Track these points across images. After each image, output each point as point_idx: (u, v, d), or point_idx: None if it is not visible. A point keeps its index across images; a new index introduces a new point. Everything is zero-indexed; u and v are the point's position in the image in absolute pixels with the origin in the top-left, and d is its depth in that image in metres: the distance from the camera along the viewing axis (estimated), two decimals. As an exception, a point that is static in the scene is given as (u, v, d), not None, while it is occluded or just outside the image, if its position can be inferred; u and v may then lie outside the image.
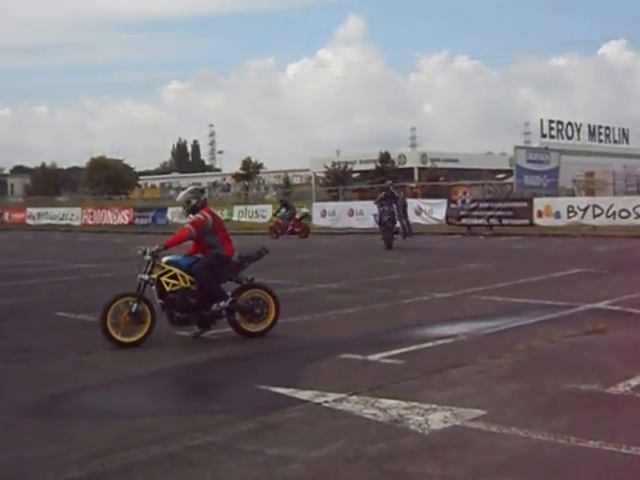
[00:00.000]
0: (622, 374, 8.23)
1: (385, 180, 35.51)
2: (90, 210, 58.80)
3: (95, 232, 48.93)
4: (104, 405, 8.12)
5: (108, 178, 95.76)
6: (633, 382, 7.93)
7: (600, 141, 66.35)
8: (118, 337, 10.57)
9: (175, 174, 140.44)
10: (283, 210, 38.09)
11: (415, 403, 7.38)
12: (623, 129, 69.77)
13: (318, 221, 44.00)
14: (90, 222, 56.50)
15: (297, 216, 37.54)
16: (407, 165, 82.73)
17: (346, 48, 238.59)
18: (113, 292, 11.22)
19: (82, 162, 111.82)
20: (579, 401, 7.43)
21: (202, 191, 12.10)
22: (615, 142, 68.04)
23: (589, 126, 65.83)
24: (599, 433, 6.32)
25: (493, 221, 36.72)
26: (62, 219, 58.62)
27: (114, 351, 10.42)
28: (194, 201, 11.51)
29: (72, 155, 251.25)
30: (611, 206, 33.87)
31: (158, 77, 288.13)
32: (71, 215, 58.94)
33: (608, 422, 6.78)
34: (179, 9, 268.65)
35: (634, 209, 33.02)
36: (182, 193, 12.02)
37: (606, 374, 8.32)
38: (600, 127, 67.49)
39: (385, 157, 78.57)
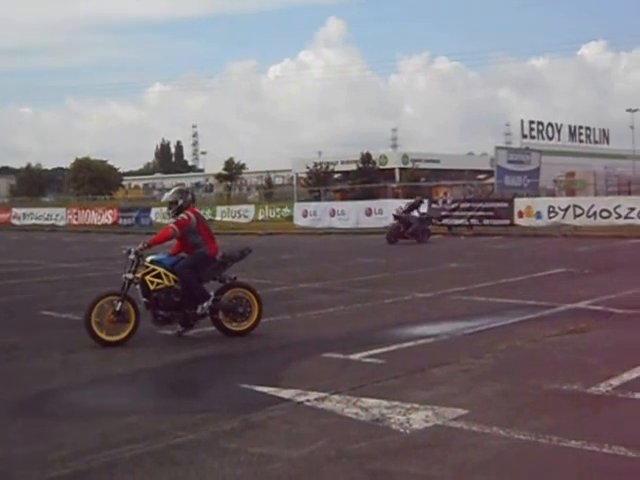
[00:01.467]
0: (603, 374, 8.24)
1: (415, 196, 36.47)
2: (75, 210, 58.59)
3: (79, 232, 48.79)
4: (88, 404, 8.07)
5: (92, 179, 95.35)
6: (614, 382, 7.93)
7: (581, 141, 66.64)
8: (102, 336, 10.53)
9: (158, 175, 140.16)
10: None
11: (397, 402, 7.37)
12: (604, 130, 70.11)
13: (299, 221, 44.00)
14: (75, 222, 56.29)
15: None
16: (388, 166, 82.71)
17: (327, 50, 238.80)
18: (98, 291, 11.20)
19: (67, 163, 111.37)
20: (561, 401, 7.43)
21: (187, 191, 12.05)
22: (596, 142, 68.36)
23: (569, 127, 66.11)
24: (581, 433, 6.31)
25: (474, 221, 36.79)
26: (47, 219, 58.41)
27: (98, 350, 10.37)
28: (181, 201, 11.48)
29: (57, 156, 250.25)
30: (592, 206, 33.98)
31: (142, 79, 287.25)
32: (56, 215, 58.71)
33: (590, 422, 6.79)
34: (162, 11, 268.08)
35: (615, 209, 33.15)
36: (168, 193, 11.97)
37: (588, 374, 8.32)
38: (581, 128, 67.78)
39: (366, 158, 78.53)
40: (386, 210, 40.62)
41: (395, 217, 31.97)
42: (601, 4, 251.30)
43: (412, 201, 32.86)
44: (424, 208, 33.20)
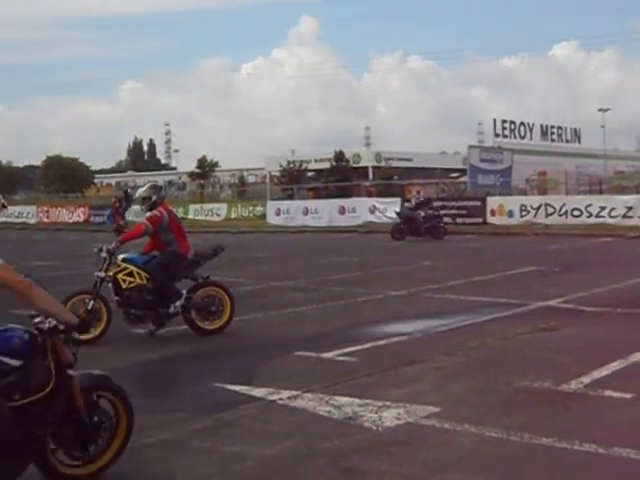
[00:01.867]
0: (574, 371, 8.30)
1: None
2: (46, 208, 58.27)
3: (50, 230, 48.45)
4: (57, 403, 8.00)
5: (64, 176, 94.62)
6: (585, 379, 8.00)
7: (552, 141, 67.15)
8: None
9: (131, 173, 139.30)
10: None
11: (369, 400, 7.39)
12: (575, 129, 70.69)
13: (272, 219, 43.96)
14: (46, 220, 55.97)
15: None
16: (361, 164, 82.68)
17: (300, 48, 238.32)
18: (69, 290, 11.14)
19: (38, 160, 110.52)
20: (532, 398, 7.48)
21: (162, 187, 12.07)
22: (567, 142, 68.91)
23: (542, 126, 66.62)
24: (552, 430, 6.36)
25: (447, 220, 36.88)
26: (18, 217, 57.80)
27: (68, 349, 10.30)
28: (154, 197, 11.47)
29: (28, 153, 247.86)
30: (563, 205, 34.24)
31: (113, 76, 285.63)
32: (27, 213, 58.28)
33: (561, 419, 6.84)
34: (134, 7, 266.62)
35: (586, 208, 33.41)
36: (142, 189, 11.96)
37: (558, 371, 8.38)
38: (552, 127, 68.33)
39: (340, 156, 78.48)
40: (359, 208, 40.75)
41: (397, 214, 32.69)
42: (572, 4, 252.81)
43: (421, 199, 33.24)
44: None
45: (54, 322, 5.14)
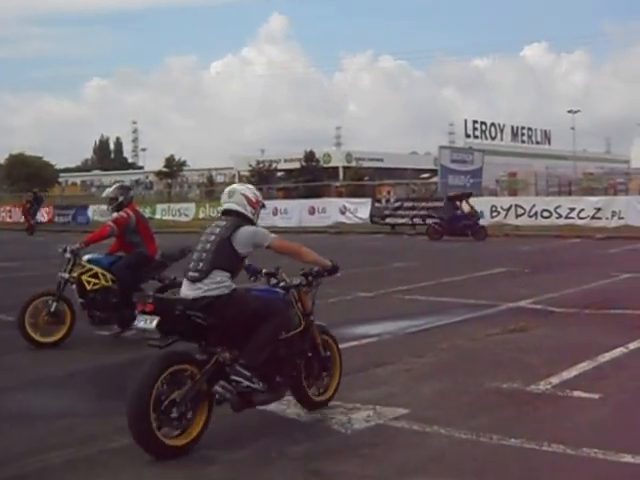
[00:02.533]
0: (543, 372, 8.37)
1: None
2: (8, 208, 57.65)
3: (14, 230, 47.96)
4: (21, 407, 7.93)
5: (27, 175, 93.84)
6: (554, 380, 8.07)
7: (523, 142, 67.74)
8: (36, 337, 10.39)
9: (97, 172, 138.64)
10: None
11: (338, 402, 7.40)
12: (545, 130, 71.36)
13: (242, 220, 43.82)
14: (8, 220, 55.38)
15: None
16: (332, 164, 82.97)
17: (270, 46, 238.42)
18: (32, 291, 11.03)
19: (0, 159, 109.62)
20: (501, 399, 7.53)
21: (130, 188, 11.98)
22: (537, 143, 69.54)
23: (512, 127, 67.17)
24: (521, 431, 6.40)
25: (417, 220, 37.02)
26: (-21, 217, 57.40)
27: (32, 352, 10.25)
28: (121, 198, 11.41)
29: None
30: (533, 206, 34.49)
31: (79, 73, 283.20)
32: (-12, 213, 57.74)
33: (529, 420, 6.88)
34: (101, 3, 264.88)
35: (555, 209, 33.67)
36: (109, 189, 11.88)
37: (528, 372, 8.44)
38: (523, 128, 68.95)
39: (310, 156, 78.68)
40: (329, 209, 40.78)
41: (432, 211, 33.64)
42: (543, 6, 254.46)
43: (458, 193, 33.64)
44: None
45: (298, 280, 7.59)
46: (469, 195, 32.95)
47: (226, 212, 7.18)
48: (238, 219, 6.96)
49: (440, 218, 32.36)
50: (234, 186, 7.44)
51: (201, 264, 6.67)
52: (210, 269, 6.62)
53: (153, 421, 5.94)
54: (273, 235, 7.22)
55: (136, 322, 6.62)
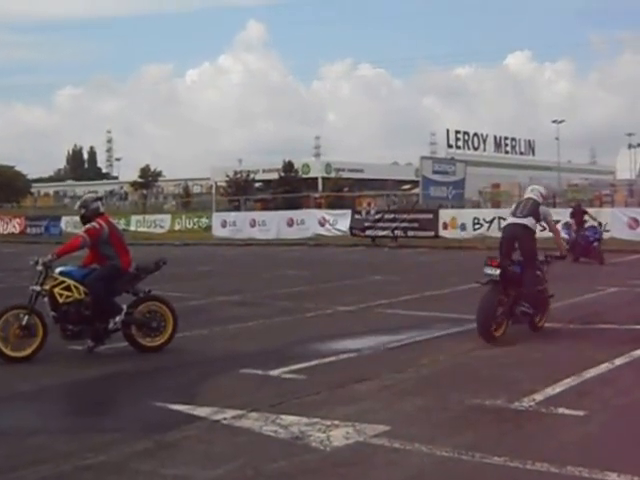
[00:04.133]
0: (527, 389, 8.38)
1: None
2: (-21, 219, 57.40)
3: (-17, 242, 47.78)
4: (-10, 424, 7.89)
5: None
6: (538, 397, 8.08)
7: (506, 152, 68.08)
8: (7, 351, 10.32)
9: (70, 182, 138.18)
10: None
11: (317, 419, 7.38)
12: (529, 141, 71.76)
13: (218, 232, 43.89)
14: (-22, 231, 55.13)
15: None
16: (311, 175, 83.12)
17: (247, 54, 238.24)
18: (2, 304, 10.95)
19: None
20: (484, 416, 7.54)
21: (98, 199, 11.86)
22: (521, 154, 69.91)
23: (495, 137, 67.49)
24: (504, 449, 6.40)
25: (398, 233, 37.13)
26: (-52, 228, 57.04)
27: (2, 366, 10.17)
28: (83, 210, 11.36)
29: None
30: (517, 218, 34.53)
31: (51, 80, 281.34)
32: (-42, 224, 57.39)
33: (513, 438, 6.89)
34: (73, 10, 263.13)
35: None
36: (77, 203, 11.85)
37: (511, 389, 8.45)
38: (506, 138, 69.30)
39: (289, 166, 78.80)
40: (308, 220, 40.83)
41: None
42: (526, 14, 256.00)
43: (573, 205, 29.46)
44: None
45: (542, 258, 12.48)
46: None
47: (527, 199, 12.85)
48: (536, 202, 12.69)
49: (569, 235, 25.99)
50: (534, 185, 13.76)
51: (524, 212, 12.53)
52: (527, 214, 12.50)
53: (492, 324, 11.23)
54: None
55: (485, 270, 11.84)
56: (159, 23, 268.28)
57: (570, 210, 28.14)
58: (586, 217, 26.87)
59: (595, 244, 25.22)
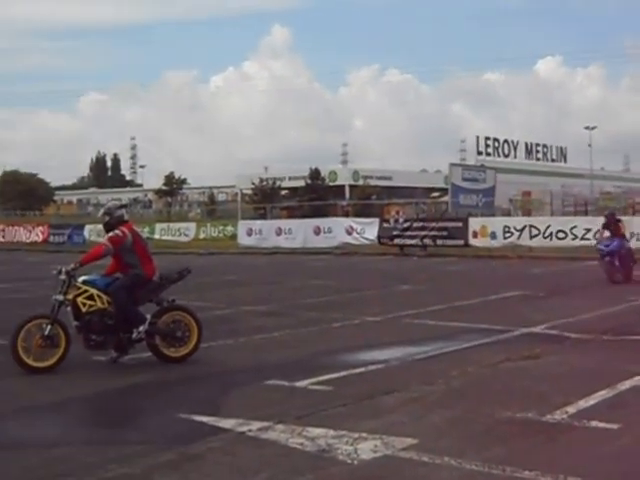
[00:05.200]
0: (559, 401, 8.32)
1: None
2: (1, 227, 57.81)
3: (6, 250, 48.11)
4: (13, 435, 7.92)
5: (21, 193, 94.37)
6: (570, 409, 8.02)
7: (537, 159, 67.63)
8: (30, 362, 10.36)
9: (93, 189, 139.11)
10: None
11: (344, 432, 7.36)
12: (561, 147, 71.25)
13: (244, 240, 43.88)
14: (1, 240, 55.52)
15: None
16: (338, 182, 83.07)
17: (272, 60, 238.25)
18: (25, 314, 11.01)
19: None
20: (514, 429, 7.49)
21: (122, 207, 11.92)
22: (553, 161, 69.43)
23: (526, 144, 67.06)
24: (535, 463, 6.36)
25: (427, 241, 36.99)
26: (-29, 236, 57.48)
27: (25, 377, 10.22)
28: (107, 218, 11.40)
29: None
30: (548, 227, 34.39)
31: (75, 87, 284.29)
32: (-20, 232, 57.83)
33: (545, 451, 6.84)
34: (99, 17, 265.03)
35: (571, 230, 33.57)
36: (101, 210, 11.92)
37: (542, 401, 8.40)
38: (537, 145, 68.83)
39: (315, 174, 78.81)
40: (335, 229, 40.76)
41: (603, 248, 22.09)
42: (557, 19, 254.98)
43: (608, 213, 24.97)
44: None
45: None
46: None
47: None
48: None
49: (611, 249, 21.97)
50: None
51: None
52: None
53: None
54: None
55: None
56: (183, 29, 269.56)
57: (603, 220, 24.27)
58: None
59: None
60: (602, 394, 8.64)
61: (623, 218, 25.80)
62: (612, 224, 23.01)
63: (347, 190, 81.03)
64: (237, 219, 50.67)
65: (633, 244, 27.24)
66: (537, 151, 68.46)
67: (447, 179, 51.73)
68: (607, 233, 22.78)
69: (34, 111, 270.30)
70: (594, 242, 25.11)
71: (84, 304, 10.79)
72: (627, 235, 25.12)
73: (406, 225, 38.43)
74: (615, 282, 21.05)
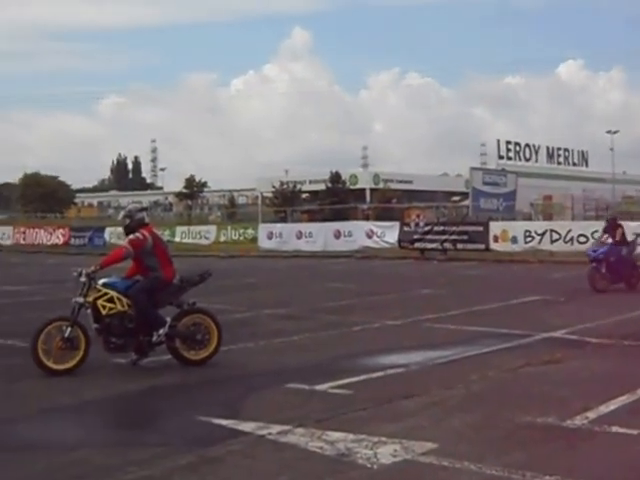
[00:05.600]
0: (579, 406, 8.29)
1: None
2: (22, 229, 58.06)
3: (27, 252, 48.36)
4: (33, 437, 7.94)
5: (42, 195, 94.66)
6: (591, 415, 7.99)
7: (559, 163, 67.32)
8: (50, 364, 10.40)
9: (114, 192, 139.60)
10: None
11: (364, 436, 7.36)
12: (582, 151, 70.91)
13: (264, 243, 43.93)
14: (22, 242, 55.77)
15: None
16: (359, 186, 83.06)
17: (292, 63, 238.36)
18: (45, 316, 11.08)
19: (14, 178, 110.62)
20: (534, 434, 7.46)
21: (143, 209, 11.98)
22: (574, 165, 69.11)
23: (547, 148, 66.77)
24: (555, 468, 6.34)
25: (447, 245, 36.95)
26: (-8, 238, 57.78)
27: (45, 379, 10.26)
28: (127, 220, 11.45)
29: (4, 170, 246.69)
30: (569, 231, 34.27)
31: (95, 89, 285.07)
32: (2, 234, 58.08)
33: (565, 457, 6.82)
34: (118, 19, 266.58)
35: (592, 234, 33.30)
36: (121, 213, 11.98)
37: (563, 406, 8.37)
38: (559, 149, 68.51)
39: (336, 177, 78.75)
40: (356, 232, 40.74)
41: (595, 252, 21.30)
42: (578, 23, 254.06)
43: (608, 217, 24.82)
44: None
45: None
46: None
47: None
48: None
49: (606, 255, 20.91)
50: None
51: None
52: None
53: None
54: None
55: None
56: (204, 32, 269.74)
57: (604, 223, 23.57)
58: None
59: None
60: (622, 399, 8.61)
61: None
62: (612, 229, 21.95)
63: (368, 193, 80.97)
64: (257, 222, 50.67)
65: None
66: (558, 155, 68.16)
67: (468, 183, 51.61)
68: (607, 238, 21.75)
69: (54, 113, 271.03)
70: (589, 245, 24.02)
71: (104, 307, 10.83)
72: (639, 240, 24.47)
73: (426, 229, 38.41)
74: (598, 290, 20.02)
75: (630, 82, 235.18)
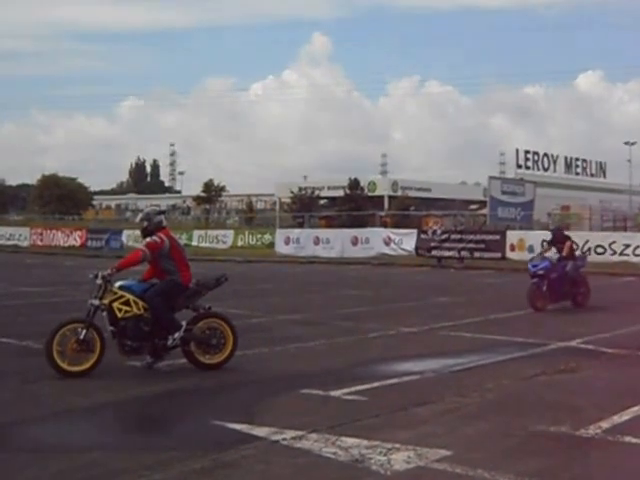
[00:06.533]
0: (593, 416, 8.28)
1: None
2: (39, 230, 58.25)
3: (44, 254, 48.51)
4: (46, 438, 7.99)
5: (60, 197, 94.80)
6: (604, 424, 7.97)
7: (577, 174, 67.27)
8: (64, 366, 10.43)
9: (132, 195, 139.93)
10: None
11: (377, 442, 7.36)
12: (600, 162, 70.84)
13: (281, 249, 43.98)
14: (39, 243, 55.99)
15: None
16: (377, 193, 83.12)
17: (312, 69, 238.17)
18: (60, 318, 11.11)
19: (32, 179, 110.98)
20: (548, 443, 7.45)
21: (161, 212, 12.00)
22: (592, 176, 69.04)
23: (566, 158, 66.73)
24: (569, 477, 6.35)
25: (464, 254, 36.90)
26: (9, 239, 57.92)
27: (59, 381, 10.30)
28: (146, 223, 11.47)
29: (22, 171, 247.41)
30: (586, 242, 34.08)
31: (114, 91, 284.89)
32: (19, 235, 58.28)
33: (578, 466, 6.81)
34: (137, 22, 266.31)
35: (610, 245, 33.36)
36: (139, 215, 12.02)
37: (577, 416, 8.36)
38: (577, 160, 68.48)
39: (354, 184, 78.82)
40: (373, 239, 40.74)
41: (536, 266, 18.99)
42: (598, 34, 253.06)
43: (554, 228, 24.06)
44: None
45: None
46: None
47: None
48: None
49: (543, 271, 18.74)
50: None
51: None
52: None
53: None
54: None
55: None
56: (223, 36, 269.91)
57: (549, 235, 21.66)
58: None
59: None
60: (636, 410, 8.58)
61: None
62: (559, 241, 19.98)
63: (386, 201, 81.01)
64: (275, 227, 50.78)
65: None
66: (576, 166, 68.10)
67: (486, 192, 51.60)
68: (551, 251, 19.91)
69: (72, 115, 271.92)
70: (529, 259, 21.82)
71: (120, 309, 10.86)
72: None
73: (444, 237, 38.37)
74: (537, 309, 18.04)
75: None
